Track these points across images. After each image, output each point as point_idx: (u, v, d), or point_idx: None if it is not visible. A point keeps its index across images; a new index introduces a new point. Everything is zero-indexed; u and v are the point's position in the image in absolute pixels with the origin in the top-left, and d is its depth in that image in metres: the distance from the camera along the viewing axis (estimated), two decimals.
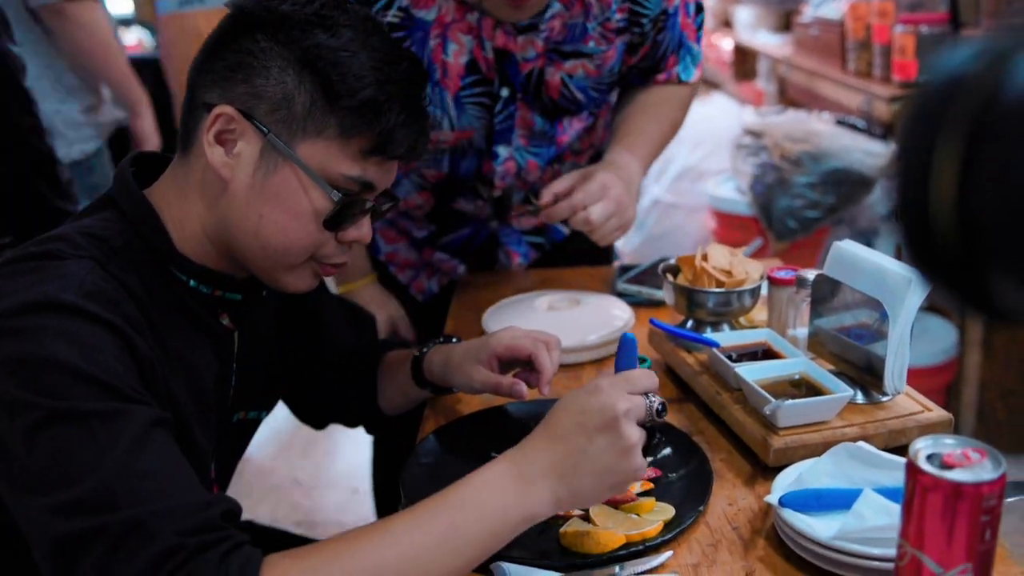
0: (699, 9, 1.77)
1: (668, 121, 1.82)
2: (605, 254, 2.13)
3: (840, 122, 3.20)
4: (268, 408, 1.39)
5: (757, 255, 3.12)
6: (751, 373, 1.27)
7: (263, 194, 1.09)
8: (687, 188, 3.67)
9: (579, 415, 0.98)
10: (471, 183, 1.78)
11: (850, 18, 3.35)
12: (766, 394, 1.19)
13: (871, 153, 2.97)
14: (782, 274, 1.45)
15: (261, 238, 1.10)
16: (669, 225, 3.70)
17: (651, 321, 1.42)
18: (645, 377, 1.03)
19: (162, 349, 1.06)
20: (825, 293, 1.33)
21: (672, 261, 1.54)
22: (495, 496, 0.95)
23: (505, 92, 1.65)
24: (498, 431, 1.30)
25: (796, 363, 1.32)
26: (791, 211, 3.01)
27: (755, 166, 3.11)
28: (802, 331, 1.42)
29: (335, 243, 1.15)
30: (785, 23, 4.78)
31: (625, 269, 1.91)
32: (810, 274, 1.38)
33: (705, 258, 1.47)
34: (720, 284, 1.44)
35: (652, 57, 1.75)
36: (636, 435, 0.98)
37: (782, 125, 3.17)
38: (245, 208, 1.09)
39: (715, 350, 1.33)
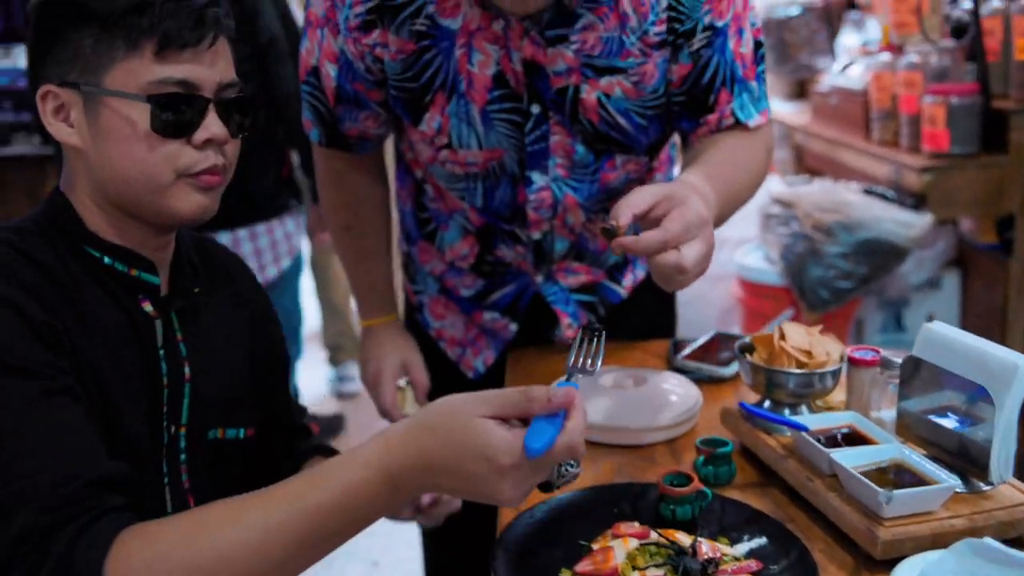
0: (758, 45, 1.60)
1: (744, 168, 1.58)
2: (668, 324, 2.08)
3: (868, 191, 3.19)
4: (247, 426, 1.35)
5: None
6: (847, 459, 1.22)
7: (100, 138, 1.15)
8: None
9: (464, 469, 0.94)
10: (510, 225, 1.72)
11: (874, 88, 3.36)
12: (871, 483, 1.15)
13: (903, 223, 2.96)
14: (863, 354, 1.42)
15: (120, 176, 1.16)
16: (691, 294, 3.66)
17: (741, 405, 1.38)
18: (563, 454, 0.95)
19: (77, 317, 1.11)
20: (914, 375, 1.29)
21: (747, 339, 1.50)
22: (366, 504, 0.96)
23: (535, 109, 1.56)
24: (586, 516, 1.25)
25: (889, 449, 1.27)
26: (823, 281, 2.99)
27: (785, 235, 3.10)
28: (887, 414, 1.38)
29: (192, 150, 1.17)
30: (799, 91, 4.81)
31: (679, 344, 1.88)
32: (896, 356, 1.35)
33: (783, 336, 1.44)
34: (801, 364, 1.41)
35: (698, 83, 1.57)
36: (517, 496, 0.96)
37: (812, 195, 3.17)
38: (98, 160, 1.16)
39: (805, 434, 1.29)
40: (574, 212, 1.70)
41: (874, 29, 4.26)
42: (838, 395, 1.50)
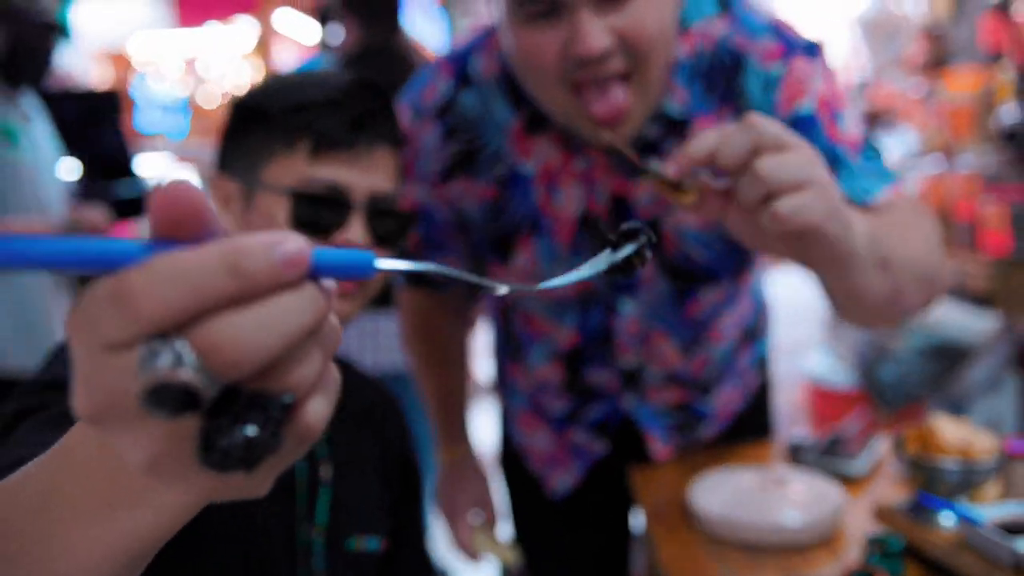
0: (863, 133, 1.37)
1: (900, 225, 1.24)
2: (764, 429, 2.07)
3: None
4: (381, 535, 1.32)
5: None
6: None
7: (248, 231, 1.17)
8: None
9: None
10: (601, 349, 1.68)
11: (928, 193, 3.44)
12: None
13: (971, 324, 2.99)
14: (1022, 446, 1.43)
15: None
16: None
17: (921, 496, 1.39)
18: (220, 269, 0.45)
19: None
20: None
21: (900, 435, 1.51)
22: (65, 452, 0.55)
23: None
24: None
25: None
26: (897, 382, 3.01)
27: (857, 339, 3.13)
28: None
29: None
30: None
31: (798, 447, 1.88)
32: None
33: (937, 431, 1.45)
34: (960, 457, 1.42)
35: None
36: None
37: None
38: None
39: (985, 527, 1.30)
40: (664, 343, 1.67)
41: (910, 138, 4.39)
42: (990, 489, 1.51)
